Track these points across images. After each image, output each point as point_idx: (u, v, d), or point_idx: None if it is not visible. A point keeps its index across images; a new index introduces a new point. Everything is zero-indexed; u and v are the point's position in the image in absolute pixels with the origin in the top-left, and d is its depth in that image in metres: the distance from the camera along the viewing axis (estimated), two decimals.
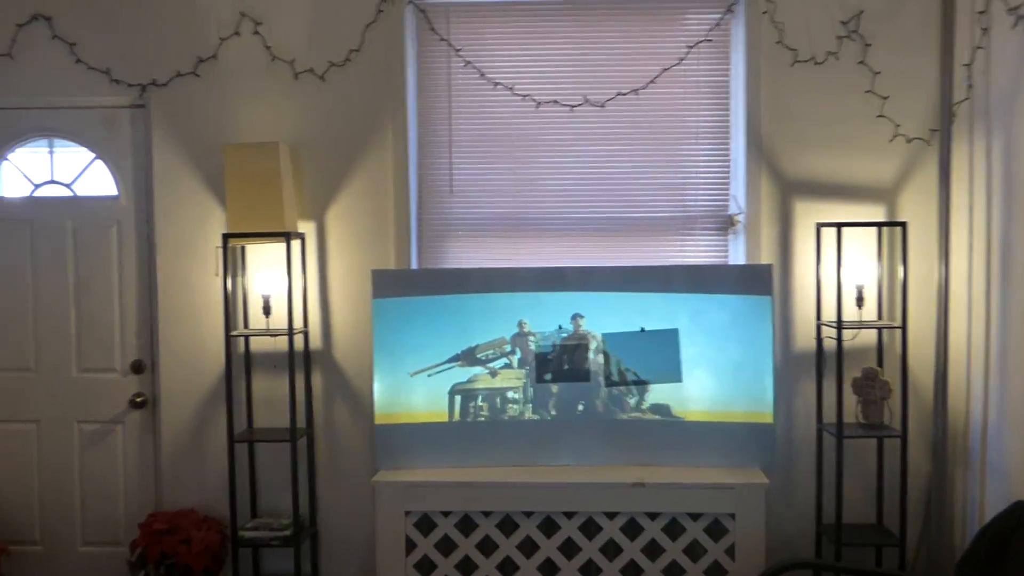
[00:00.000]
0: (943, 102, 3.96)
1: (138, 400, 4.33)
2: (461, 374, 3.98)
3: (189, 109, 4.20)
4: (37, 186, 4.36)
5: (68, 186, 4.36)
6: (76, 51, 4.18)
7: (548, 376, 3.97)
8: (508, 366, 3.97)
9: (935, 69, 4.01)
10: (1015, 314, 3.43)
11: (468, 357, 3.97)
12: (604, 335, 3.96)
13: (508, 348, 3.97)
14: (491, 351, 3.97)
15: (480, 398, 3.98)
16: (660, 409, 3.95)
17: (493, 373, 3.97)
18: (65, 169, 4.37)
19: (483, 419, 3.97)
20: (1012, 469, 3.45)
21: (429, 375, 3.96)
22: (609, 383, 3.95)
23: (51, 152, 4.35)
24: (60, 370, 4.36)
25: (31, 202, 4.35)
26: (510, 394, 3.97)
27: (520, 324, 3.97)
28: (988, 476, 3.65)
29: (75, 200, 4.35)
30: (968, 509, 3.85)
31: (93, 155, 4.32)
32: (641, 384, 3.95)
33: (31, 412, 4.38)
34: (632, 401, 3.95)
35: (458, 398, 3.98)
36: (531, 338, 3.96)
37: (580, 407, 3.96)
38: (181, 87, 4.19)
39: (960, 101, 3.91)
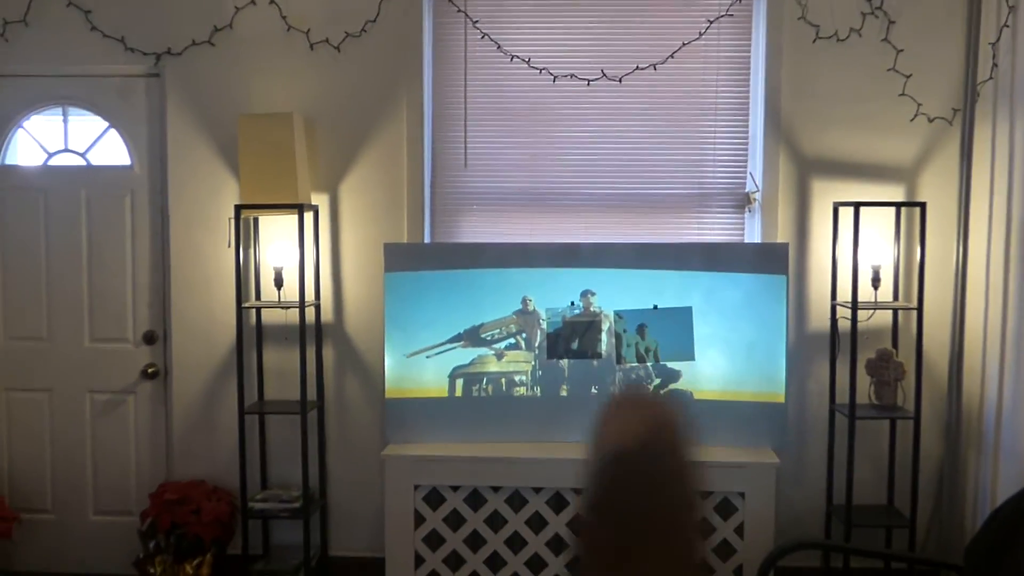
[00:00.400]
0: (967, 81, 3.91)
1: (150, 371, 4.33)
2: (463, 355, 3.95)
3: (204, 79, 4.18)
4: (51, 154, 4.35)
5: (82, 155, 4.35)
6: (91, 18, 4.15)
7: (559, 353, 3.95)
8: (515, 347, 3.95)
9: (960, 47, 3.95)
10: None
11: (472, 337, 3.95)
12: (616, 312, 3.93)
13: (514, 328, 3.95)
14: (497, 330, 3.95)
15: (484, 381, 3.95)
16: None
17: (499, 355, 3.95)
18: (79, 138, 4.36)
19: (492, 396, 3.95)
20: None
21: (428, 356, 3.94)
22: (620, 360, 3.93)
23: (65, 120, 4.34)
24: (72, 340, 4.36)
25: (45, 171, 4.35)
26: (517, 378, 3.95)
27: (524, 301, 3.93)
28: (1001, 459, 3.63)
29: (89, 169, 4.34)
30: (980, 491, 3.83)
31: (107, 124, 4.30)
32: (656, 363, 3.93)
33: (43, 381, 4.39)
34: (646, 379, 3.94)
35: (459, 382, 3.96)
36: (539, 316, 3.93)
37: (593, 387, 3.94)
38: (196, 56, 4.16)
39: (984, 80, 3.86)
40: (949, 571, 3.65)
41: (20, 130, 4.35)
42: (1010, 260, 3.60)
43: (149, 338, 4.33)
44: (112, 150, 4.33)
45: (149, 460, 4.38)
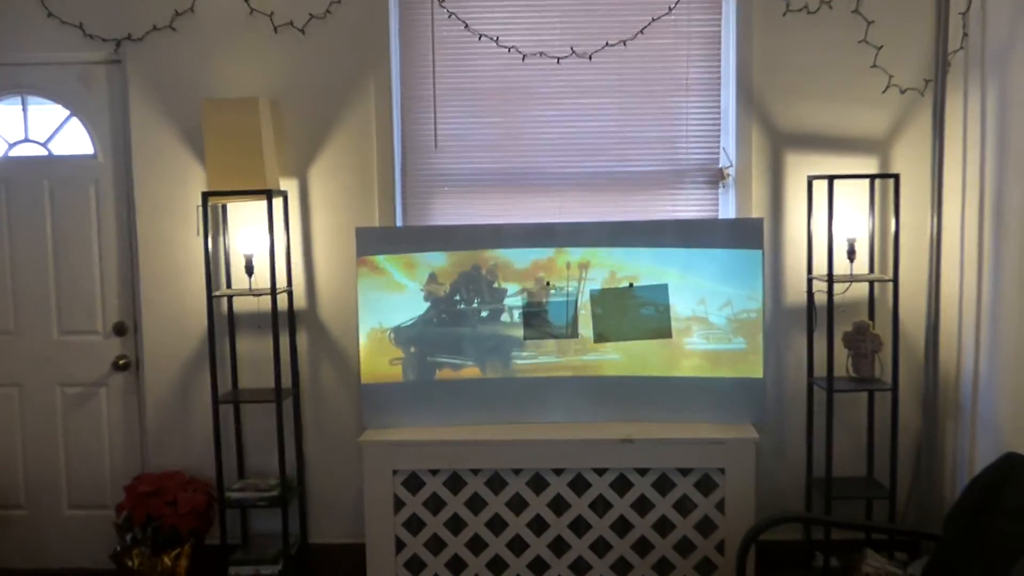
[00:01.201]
0: (938, 52, 3.90)
1: (121, 362, 4.27)
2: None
3: (166, 64, 4.10)
4: (12, 145, 4.27)
5: (43, 144, 4.27)
6: (48, 5, 4.07)
7: (534, 333, 3.92)
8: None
9: (930, 18, 3.94)
10: (1007, 266, 3.41)
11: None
12: (592, 291, 3.91)
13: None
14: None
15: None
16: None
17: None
18: (40, 127, 4.27)
19: (472, 377, 3.93)
20: (1002, 421, 3.44)
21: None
22: (597, 339, 3.91)
23: (25, 110, 4.25)
24: (41, 333, 4.30)
25: (6, 162, 4.26)
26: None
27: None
28: (978, 428, 3.65)
29: (51, 159, 4.26)
30: (958, 461, 3.85)
31: (68, 112, 4.22)
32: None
33: (12, 376, 4.33)
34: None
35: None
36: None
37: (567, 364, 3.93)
38: (157, 41, 4.08)
39: (955, 51, 3.85)
40: (929, 541, 3.68)
41: None
42: (984, 229, 3.60)
43: (119, 329, 4.27)
44: (74, 139, 4.26)
45: (123, 452, 4.34)
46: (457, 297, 3.92)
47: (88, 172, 4.23)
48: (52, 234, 4.24)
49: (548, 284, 3.92)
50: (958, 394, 3.85)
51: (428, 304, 3.92)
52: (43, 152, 4.27)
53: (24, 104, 4.25)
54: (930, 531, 3.47)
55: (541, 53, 4.08)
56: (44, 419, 4.34)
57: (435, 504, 3.79)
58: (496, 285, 3.92)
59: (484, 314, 3.93)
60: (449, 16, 4.08)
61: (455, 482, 3.78)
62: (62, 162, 4.25)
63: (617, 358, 3.92)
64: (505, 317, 3.93)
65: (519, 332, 3.93)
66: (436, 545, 3.81)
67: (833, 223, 3.79)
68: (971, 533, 3.00)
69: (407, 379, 3.93)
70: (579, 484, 3.75)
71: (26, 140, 4.27)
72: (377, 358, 3.92)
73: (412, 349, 3.93)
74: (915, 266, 4.01)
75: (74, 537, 4.36)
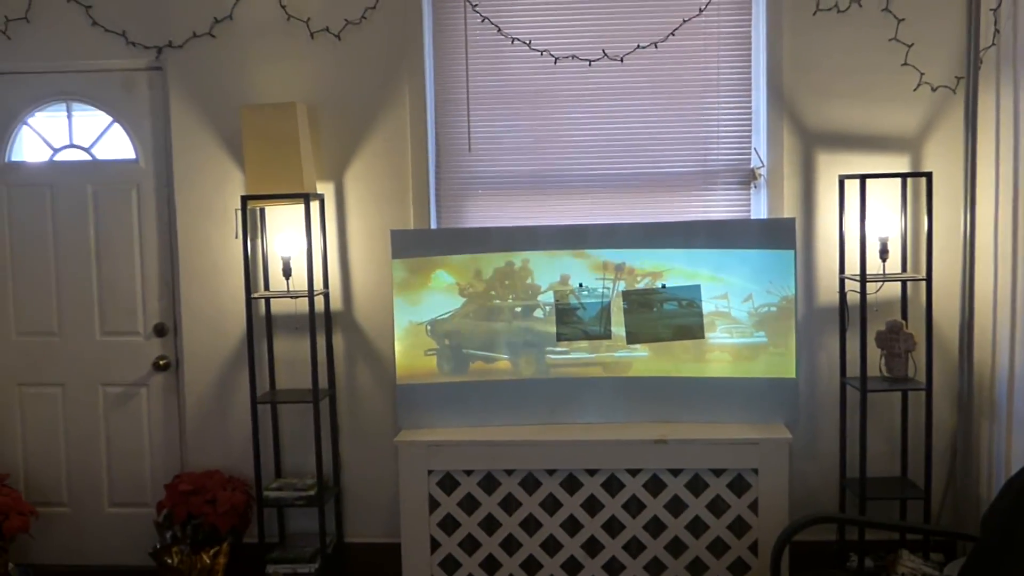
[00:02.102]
0: (969, 48, 3.89)
1: (161, 363, 4.35)
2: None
3: (206, 70, 4.18)
4: (56, 150, 4.37)
5: (87, 150, 4.36)
6: (92, 13, 4.16)
7: (568, 335, 3.95)
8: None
9: (961, 15, 3.93)
10: None
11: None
12: (625, 291, 3.93)
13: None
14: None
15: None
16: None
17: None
18: (84, 133, 4.37)
19: (505, 378, 3.96)
20: None
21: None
22: (631, 340, 3.93)
23: (69, 116, 4.35)
24: (83, 334, 4.39)
25: (51, 166, 4.36)
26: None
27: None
28: (1014, 427, 3.62)
29: (94, 164, 4.36)
30: (994, 461, 3.82)
31: (111, 118, 4.31)
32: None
33: (56, 376, 4.41)
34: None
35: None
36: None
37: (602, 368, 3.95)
38: (197, 48, 4.17)
39: (987, 47, 3.83)
40: (965, 541, 3.66)
41: (25, 127, 4.37)
42: (1018, 227, 3.58)
43: (160, 330, 4.35)
44: (117, 144, 4.35)
45: (163, 451, 4.41)
46: (494, 297, 3.95)
47: (130, 176, 4.32)
48: (95, 237, 4.34)
49: (581, 285, 3.94)
50: (993, 393, 3.82)
51: (464, 305, 3.96)
52: (87, 157, 4.37)
53: (69, 110, 4.35)
54: (966, 532, 3.45)
55: (573, 56, 4.12)
56: (86, 418, 4.42)
57: (469, 504, 3.82)
58: (530, 283, 3.95)
59: (518, 314, 3.96)
60: (482, 20, 4.13)
61: (489, 482, 3.80)
62: (105, 167, 4.35)
63: (649, 358, 3.94)
64: (539, 317, 3.96)
65: (552, 333, 3.95)
66: (471, 545, 3.83)
67: (865, 222, 3.78)
68: (1008, 534, 2.97)
69: (442, 372, 3.96)
70: (612, 484, 3.77)
71: (71, 146, 4.37)
72: (413, 351, 3.96)
73: (447, 352, 3.97)
74: (948, 265, 3.99)
75: (115, 535, 4.44)
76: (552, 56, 4.12)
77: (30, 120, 4.36)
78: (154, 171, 4.30)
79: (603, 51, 4.11)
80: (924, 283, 3.86)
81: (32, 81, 4.29)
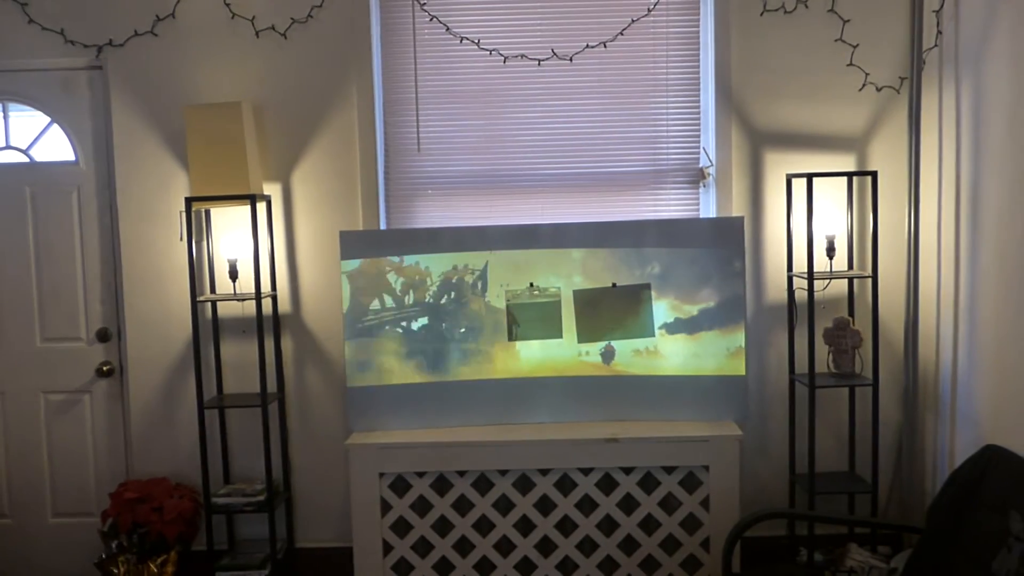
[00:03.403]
0: (913, 49, 3.95)
1: (105, 369, 4.26)
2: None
3: (148, 70, 4.10)
4: None
5: (25, 151, 4.25)
6: (28, 11, 4.05)
7: (519, 333, 3.94)
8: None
9: (905, 16, 3.99)
10: (984, 261, 3.45)
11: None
12: (575, 291, 3.93)
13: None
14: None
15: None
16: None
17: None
18: (21, 134, 4.26)
19: (456, 379, 3.94)
20: (981, 414, 3.48)
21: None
22: (581, 339, 3.94)
23: (5, 116, 4.24)
24: (23, 340, 4.28)
25: None
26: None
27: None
28: (958, 422, 3.69)
29: (33, 166, 4.25)
30: (939, 455, 3.89)
31: (49, 119, 4.21)
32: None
33: None
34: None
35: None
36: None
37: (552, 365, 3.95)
38: (139, 47, 4.08)
39: (929, 48, 3.90)
40: (911, 533, 3.72)
41: None
42: (960, 225, 3.65)
43: (103, 335, 4.26)
44: (56, 145, 4.24)
45: (108, 459, 4.32)
46: (443, 299, 3.93)
47: (70, 178, 4.22)
48: (34, 241, 4.23)
49: (532, 285, 3.94)
50: (937, 388, 3.89)
51: (414, 305, 3.93)
52: (24, 159, 4.25)
53: (5, 111, 4.23)
54: (912, 524, 3.51)
55: (522, 55, 4.11)
56: (28, 426, 4.31)
57: (422, 507, 3.80)
58: (479, 286, 3.94)
59: (467, 316, 3.94)
60: (431, 19, 4.10)
61: (442, 484, 3.79)
62: (44, 169, 4.24)
63: (600, 358, 3.95)
64: (489, 318, 3.94)
65: (503, 333, 3.94)
66: (423, 547, 3.81)
67: (812, 220, 3.82)
68: (953, 525, 3.03)
69: (392, 381, 3.94)
70: (565, 484, 3.77)
71: (7, 147, 4.25)
72: (363, 359, 3.93)
73: (399, 349, 3.94)
74: (893, 262, 4.06)
75: (59, 545, 4.34)
76: (501, 55, 4.11)
77: None
78: (95, 173, 4.21)
79: (552, 51, 4.11)
80: (870, 280, 3.92)
81: None
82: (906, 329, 4.04)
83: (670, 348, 3.94)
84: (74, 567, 4.30)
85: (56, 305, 4.26)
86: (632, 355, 3.94)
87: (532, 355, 3.95)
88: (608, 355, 3.92)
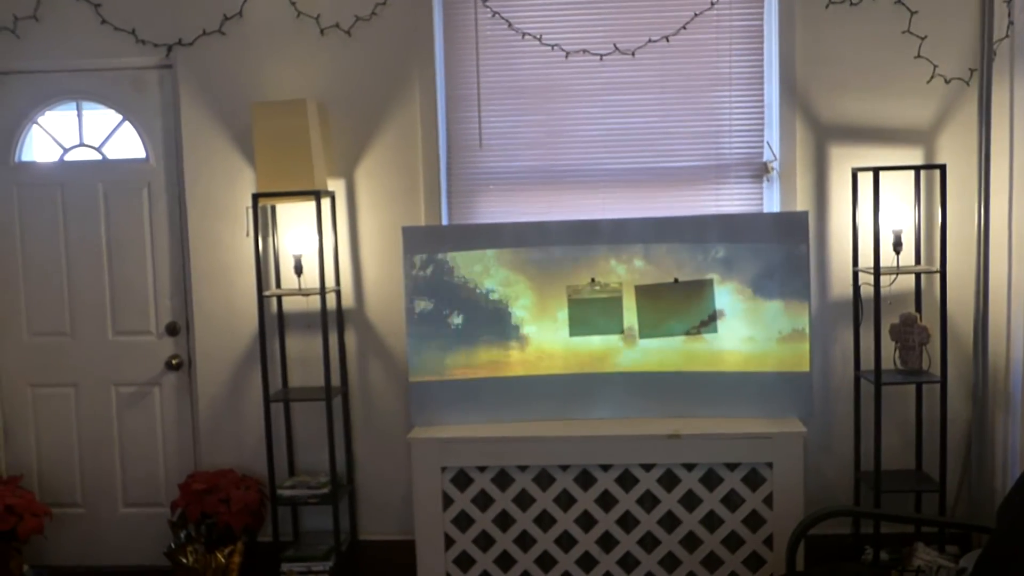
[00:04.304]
0: (983, 40, 3.87)
1: (174, 362, 4.35)
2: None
3: (216, 68, 4.18)
4: (67, 150, 4.36)
5: (97, 149, 4.36)
6: (101, 12, 4.15)
7: (581, 329, 3.94)
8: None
9: (975, 6, 3.92)
10: None
11: None
12: (637, 287, 3.92)
13: None
14: None
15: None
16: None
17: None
18: (94, 132, 4.36)
19: (518, 375, 3.95)
20: None
21: None
22: (643, 335, 3.93)
23: (79, 115, 4.35)
24: (96, 334, 4.39)
25: (61, 166, 4.36)
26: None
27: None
28: None
29: (105, 163, 4.36)
30: (1009, 452, 3.82)
31: (121, 117, 4.31)
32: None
33: (68, 376, 4.42)
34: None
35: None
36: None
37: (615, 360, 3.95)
38: (207, 46, 4.16)
39: (1001, 39, 3.83)
40: (980, 533, 3.65)
41: (35, 126, 4.36)
42: None
43: (172, 329, 4.35)
44: (127, 143, 4.35)
45: (177, 451, 4.41)
46: (502, 292, 3.95)
47: (141, 175, 4.31)
48: (106, 236, 4.34)
49: (593, 280, 3.94)
50: (1008, 385, 3.82)
51: (474, 299, 3.95)
52: (97, 156, 4.36)
53: (79, 109, 4.34)
54: (981, 523, 3.44)
55: (584, 50, 4.11)
56: (99, 419, 4.42)
57: (483, 501, 3.81)
58: (541, 281, 3.94)
59: (529, 311, 3.95)
60: (492, 16, 4.12)
61: (503, 479, 3.80)
62: (115, 166, 4.34)
63: (663, 354, 3.93)
64: (551, 313, 3.95)
65: (565, 328, 3.95)
66: (485, 541, 3.83)
67: (879, 215, 3.77)
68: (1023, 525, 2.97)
69: (454, 376, 3.96)
70: (626, 480, 3.76)
71: (81, 145, 4.36)
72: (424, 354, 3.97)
73: (460, 344, 3.96)
74: (962, 257, 3.98)
75: (129, 535, 4.44)
76: (563, 51, 4.12)
77: (40, 119, 4.35)
78: (165, 169, 4.29)
79: (614, 45, 4.10)
80: (938, 276, 3.86)
81: (41, 80, 4.28)
82: (975, 325, 3.97)
83: (733, 343, 3.91)
84: (144, 556, 4.40)
85: (127, 299, 4.36)
86: (694, 350, 3.92)
87: (593, 350, 3.95)
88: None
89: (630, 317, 3.93)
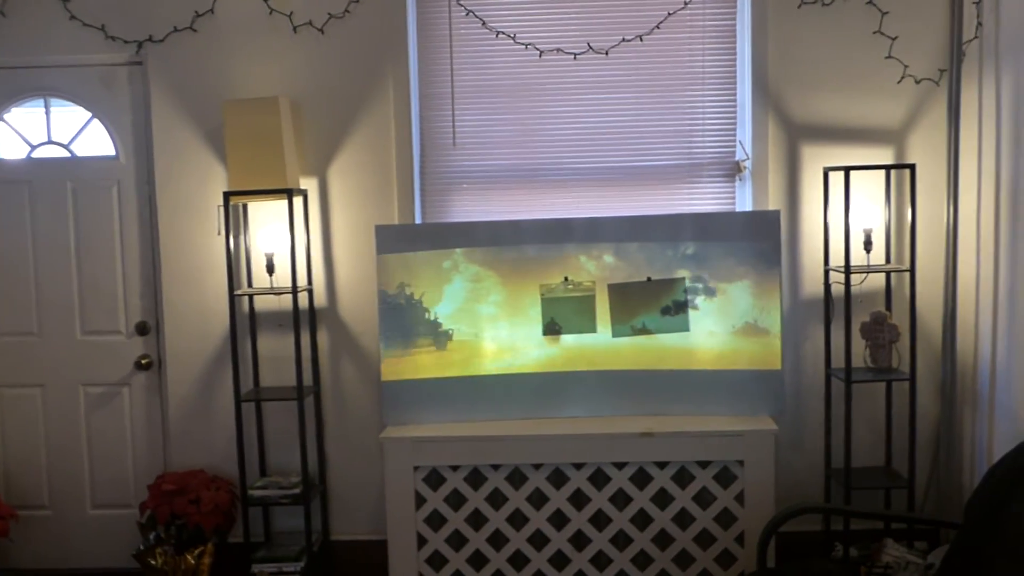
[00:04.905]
0: (952, 41, 3.92)
1: (144, 362, 4.31)
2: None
3: (187, 65, 4.14)
4: (34, 147, 4.31)
5: (66, 146, 4.31)
6: (70, 7, 4.11)
7: (553, 328, 3.95)
8: None
9: (945, 7, 3.96)
10: None
11: None
12: (610, 285, 3.93)
13: None
14: None
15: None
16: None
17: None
18: (62, 129, 4.31)
19: (491, 373, 3.95)
20: (1020, 408, 3.45)
21: None
22: (616, 333, 3.93)
23: (47, 112, 4.30)
24: (64, 334, 4.34)
25: (29, 163, 4.30)
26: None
27: None
28: (996, 416, 3.66)
29: (74, 160, 4.31)
30: (976, 449, 3.86)
31: (90, 114, 4.26)
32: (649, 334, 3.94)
33: (36, 376, 4.36)
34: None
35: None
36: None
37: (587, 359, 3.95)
38: (179, 43, 4.13)
39: (969, 40, 3.87)
40: (948, 529, 3.69)
41: (1, 123, 4.30)
42: (1000, 218, 3.61)
43: (141, 329, 4.31)
44: (96, 141, 4.30)
45: (146, 451, 4.37)
46: (473, 291, 3.94)
47: (110, 173, 4.27)
48: (75, 235, 4.29)
49: (566, 279, 3.94)
50: (976, 383, 3.86)
51: (447, 299, 3.94)
52: (65, 154, 4.31)
53: (47, 106, 4.29)
54: (949, 519, 3.48)
55: (558, 49, 4.12)
56: (67, 419, 4.37)
57: (456, 500, 3.81)
58: (513, 280, 3.94)
59: (502, 309, 3.94)
60: (466, 14, 4.11)
61: (476, 478, 3.80)
62: (84, 163, 4.29)
63: (635, 352, 3.94)
64: (524, 312, 3.95)
65: (538, 327, 3.95)
66: (457, 541, 3.82)
67: (850, 214, 3.80)
68: (991, 521, 3.00)
69: (427, 375, 3.95)
70: (599, 478, 3.77)
71: (49, 142, 4.31)
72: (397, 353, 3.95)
73: (433, 342, 3.96)
74: (932, 256, 4.03)
75: (98, 537, 4.39)
76: (537, 49, 4.12)
77: (6, 116, 4.29)
78: (135, 167, 4.25)
79: (588, 44, 4.11)
80: (908, 274, 3.90)
81: (8, 76, 4.23)
82: (944, 323, 4.01)
83: (705, 342, 3.92)
84: (113, 558, 4.35)
85: (96, 299, 4.31)
86: (666, 349, 3.93)
87: (566, 349, 3.95)
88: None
89: (603, 315, 3.93)
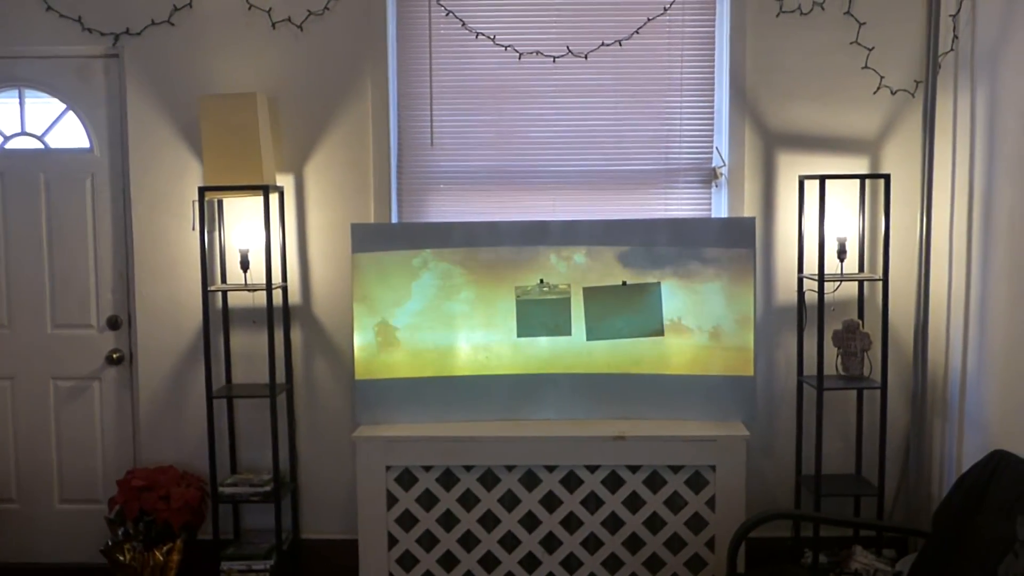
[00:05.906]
0: (928, 53, 3.94)
1: (115, 356, 4.28)
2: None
3: (164, 59, 4.11)
4: (7, 138, 4.26)
5: (40, 138, 4.27)
6: None
7: (529, 331, 3.95)
8: None
9: (921, 20, 3.99)
10: (995, 266, 3.45)
11: None
12: (585, 288, 3.94)
13: None
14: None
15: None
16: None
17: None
18: (36, 120, 4.27)
19: (464, 374, 3.94)
20: (990, 419, 3.48)
21: None
22: (591, 336, 3.94)
23: (22, 103, 4.25)
24: (34, 326, 4.29)
25: (2, 154, 4.26)
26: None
27: None
28: (966, 426, 3.69)
29: (47, 152, 4.26)
30: (946, 459, 3.89)
31: (65, 106, 4.22)
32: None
33: (5, 369, 4.32)
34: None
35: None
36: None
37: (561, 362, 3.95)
38: (156, 36, 4.09)
39: (945, 52, 3.90)
40: (917, 537, 3.72)
41: None
42: (972, 230, 3.64)
43: (113, 323, 4.28)
44: (71, 133, 4.26)
45: (116, 446, 4.33)
46: (448, 293, 3.94)
47: (84, 166, 4.23)
48: (47, 227, 4.24)
49: (542, 281, 3.94)
50: (946, 392, 3.89)
51: (422, 299, 3.93)
52: (39, 145, 4.27)
53: (21, 97, 4.24)
54: (918, 528, 3.51)
55: (537, 52, 4.12)
56: (37, 412, 4.33)
57: (428, 500, 3.80)
58: (489, 282, 3.94)
59: (476, 311, 3.94)
60: (447, 14, 4.10)
61: (448, 478, 3.79)
62: (58, 156, 4.25)
63: (609, 356, 3.95)
64: (498, 314, 3.94)
65: (512, 329, 3.95)
66: (428, 541, 3.82)
67: (824, 222, 3.82)
68: (959, 529, 3.03)
69: (401, 375, 3.94)
70: (571, 481, 3.77)
71: (22, 133, 4.27)
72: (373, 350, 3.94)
73: (404, 344, 3.95)
74: (904, 266, 4.05)
75: (66, 531, 4.35)
76: (516, 52, 4.11)
77: None
78: (109, 161, 4.22)
79: (567, 48, 4.11)
80: (881, 283, 3.92)
81: None
82: (916, 333, 4.04)
83: (679, 346, 3.93)
84: (80, 553, 4.32)
85: (67, 292, 4.27)
86: (640, 353, 3.94)
87: (540, 351, 3.95)
88: None
89: (578, 318, 3.94)
